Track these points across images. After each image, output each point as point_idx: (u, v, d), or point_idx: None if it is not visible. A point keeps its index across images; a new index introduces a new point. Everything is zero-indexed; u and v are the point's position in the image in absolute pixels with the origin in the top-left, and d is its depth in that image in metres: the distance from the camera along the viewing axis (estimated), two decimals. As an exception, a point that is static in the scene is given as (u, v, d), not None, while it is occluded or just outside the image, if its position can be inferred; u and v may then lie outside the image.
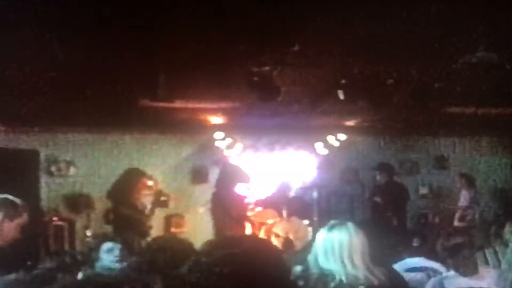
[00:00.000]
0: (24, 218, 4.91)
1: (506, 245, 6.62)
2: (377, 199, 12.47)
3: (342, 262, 4.21)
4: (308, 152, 13.58)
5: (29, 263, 6.09)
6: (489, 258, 6.99)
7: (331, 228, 4.40)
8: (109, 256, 5.60)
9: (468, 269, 5.61)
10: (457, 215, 12.17)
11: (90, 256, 5.82)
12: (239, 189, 10.50)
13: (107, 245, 5.72)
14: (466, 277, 5.59)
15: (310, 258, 4.42)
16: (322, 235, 4.39)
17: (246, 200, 11.10)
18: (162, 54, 7.19)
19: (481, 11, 5.76)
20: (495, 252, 7.00)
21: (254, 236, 2.56)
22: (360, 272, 4.19)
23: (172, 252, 4.35)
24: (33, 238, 10.29)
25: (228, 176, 10.14)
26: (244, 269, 2.08)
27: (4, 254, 4.90)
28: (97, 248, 5.78)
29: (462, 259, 5.63)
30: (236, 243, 2.21)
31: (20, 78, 7.57)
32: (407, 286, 5.01)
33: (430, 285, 5.72)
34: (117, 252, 5.56)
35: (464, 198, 12.21)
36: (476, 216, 11.95)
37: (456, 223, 12.01)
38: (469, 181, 12.46)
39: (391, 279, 4.33)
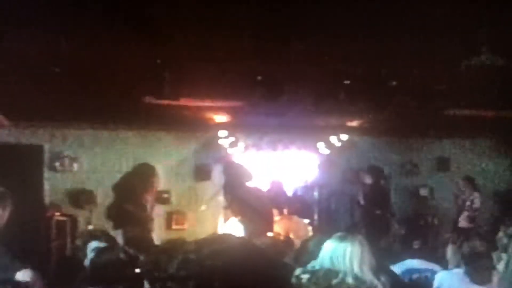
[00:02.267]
0: (10, 205, 4.91)
1: (504, 250, 6.64)
2: (361, 201, 12.51)
3: (351, 265, 4.24)
4: (310, 151, 13.61)
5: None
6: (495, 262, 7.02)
7: (342, 239, 4.42)
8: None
9: (484, 278, 5.64)
10: (466, 216, 12.17)
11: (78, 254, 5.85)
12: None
13: (93, 244, 5.73)
14: (481, 285, 5.62)
15: (316, 262, 4.44)
16: (332, 244, 4.41)
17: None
18: (167, 51, 7.24)
19: (484, 13, 5.79)
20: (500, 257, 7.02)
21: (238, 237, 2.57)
22: (367, 277, 4.22)
23: (159, 255, 4.36)
24: (36, 233, 10.38)
25: (234, 176, 10.15)
26: (235, 262, 2.09)
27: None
28: (83, 247, 5.80)
29: (481, 268, 5.65)
30: (222, 240, 2.22)
31: (24, 74, 7.61)
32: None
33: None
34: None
35: (472, 200, 12.22)
36: (480, 218, 11.97)
37: (466, 224, 12.02)
38: (472, 183, 12.46)
39: (393, 285, 4.37)
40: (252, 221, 9.52)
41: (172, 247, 4.39)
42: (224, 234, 2.49)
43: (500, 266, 6.00)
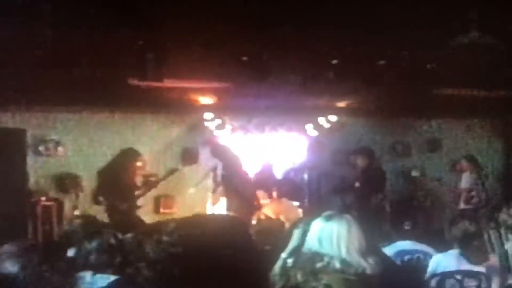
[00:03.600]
0: None
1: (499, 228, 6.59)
2: (357, 184, 12.47)
3: (338, 248, 4.17)
4: (299, 133, 13.53)
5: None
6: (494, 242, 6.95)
7: (329, 218, 4.34)
8: None
9: (479, 258, 5.63)
10: (462, 197, 12.08)
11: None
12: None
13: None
14: (478, 265, 5.62)
15: (302, 242, 4.37)
16: (319, 224, 4.32)
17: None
18: (151, 32, 7.13)
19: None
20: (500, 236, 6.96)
21: (223, 217, 2.53)
22: (354, 259, 4.14)
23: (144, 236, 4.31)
24: (21, 218, 10.28)
25: (229, 160, 10.11)
26: (199, 251, 2.07)
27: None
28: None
29: (474, 249, 5.64)
30: (199, 224, 2.21)
31: (6, 56, 7.46)
32: (401, 275, 4.98)
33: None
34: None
35: (465, 180, 12.11)
36: (483, 198, 11.85)
37: (462, 205, 11.94)
38: (475, 163, 12.33)
39: (385, 268, 4.29)
40: (238, 204, 9.52)
41: (158, 228, 4.34)
42: (209, 216, 2.44)
43: (509, 246, 5.95)
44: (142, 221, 9.38)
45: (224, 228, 2.30)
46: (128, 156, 9.88)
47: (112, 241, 4.35)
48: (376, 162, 12.80)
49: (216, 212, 10.50)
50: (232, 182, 9.96)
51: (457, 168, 12.83)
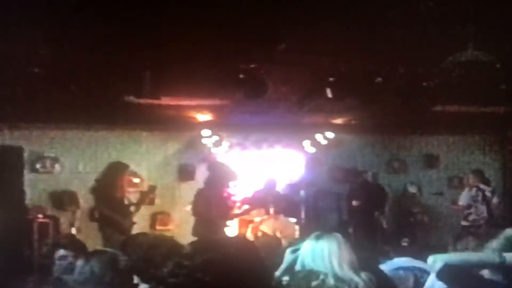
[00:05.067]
0: None
1: None
2: (354, 202, 12.49)
3: (331, 264, 4.18)
4: (296, 150, 13.53)
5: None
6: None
7: (319, 237, 4.35)
8: (62, 263, 5.47)
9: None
10: (461, 214, 12.05)
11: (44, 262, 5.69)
12: (229, 188, 10.45)
13: (60, 252, 5.58)
14: None
15: (294, 261, 4.38)
16: (310, 244, 4.34)
17: (233, 199, 11.02)
18: (148, 50, 7.12)
19: (471, 10, 5.72)
20: None
21: (238, 239, 2.52)
22: (347, 275, 4.15)
23: (153, 251, 4.28)
24: (18, 235, 10.24)
25: (218, 175, 10.02)
26: (225, 276, 2.06)
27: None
28: (50, 255, 5.63)
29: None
30: (219, 247, 2.20)
31: (3, 74, 7.46)
32: (395, 288, 4.96)
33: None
34: (70, 259, 5.43)
35: (464, 197, 12.07)
36: (483, 215, 11.79)
37: (463, 222, 11.90)
38: (483, 178, 12.26)
39: (379, 284, 4.28)
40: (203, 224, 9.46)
41: (161, 244, 4.30)
42: (222, 239, 2.45)
43: None
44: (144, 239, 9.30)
45: (244, 251, 2.28)
46: (115, 169, 9.84)
47: (116, 259, 4.32)
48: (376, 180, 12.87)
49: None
50: (207, 200, 9.84)
51: (464, 183, 12.77)
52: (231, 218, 10.07)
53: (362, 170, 13.24)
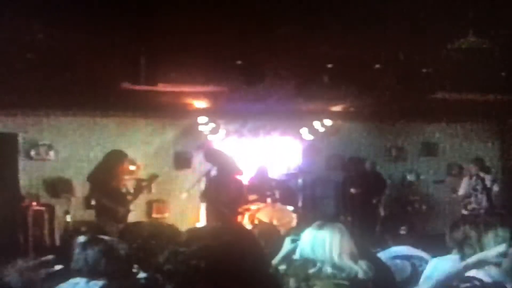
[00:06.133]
0: None
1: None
2: (353, 190, 12.45)
3: (330, 254, 4.14)
4: (293, 137, 13.48)
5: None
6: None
7: (321, 226, 4.31)
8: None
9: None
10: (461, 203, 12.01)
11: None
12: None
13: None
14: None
15: (293, 250, 4.34)
16: (312, 232, 4.29)
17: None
18: (144, 36, 7.05)
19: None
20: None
21: (235, 228, 2.48)
22: (346, 264, 4.11)
23: (154, 239, 4.22)
24: (12, 223, 10.19)
25: (227, 162, 10.05)
26: (221, 263, 2.03)
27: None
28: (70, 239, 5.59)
29: (472, 253, 5.55)
30: (216, 234, 2.18)
31: (-2, 60, 7.40)
32: (393, 278, 4.91)
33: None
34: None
35: (464, 186, 12.01)
36: (483, 204, 11.74)
37: (463, 211, 11.87)
38: (484, 167, 12.21)
39: (377, 272, 4.24)
40: (217, 211, 9.48)
41: (161, 232, 4.25)
42: (220, 227, 2.41)
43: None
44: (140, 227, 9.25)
45: (241, 238, 2.25)
46: (114, 158, 9.76)
47: (114, 248, 4.26)
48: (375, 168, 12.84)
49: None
50: (218, 187, 9.86)
51: (465, 172, 12.72)
52: (244, 204, 10.14)
53: (361, 158, 13.19)
